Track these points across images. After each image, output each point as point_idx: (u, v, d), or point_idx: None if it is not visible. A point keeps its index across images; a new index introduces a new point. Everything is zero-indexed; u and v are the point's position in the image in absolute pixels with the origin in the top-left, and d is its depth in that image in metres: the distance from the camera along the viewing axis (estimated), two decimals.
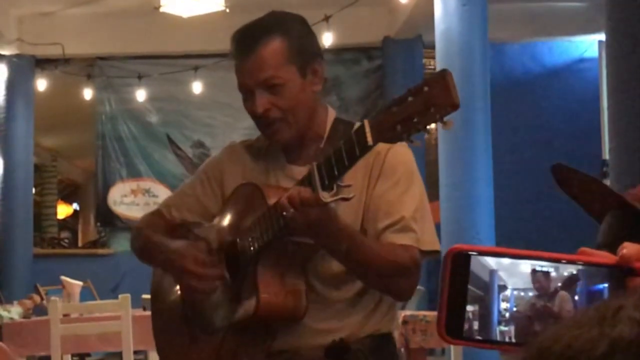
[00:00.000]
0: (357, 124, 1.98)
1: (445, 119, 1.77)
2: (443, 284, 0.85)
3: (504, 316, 0.84)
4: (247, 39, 2.25)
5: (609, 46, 4.31)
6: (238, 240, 2.24)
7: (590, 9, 9.00)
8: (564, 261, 0.85)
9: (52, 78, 10.44)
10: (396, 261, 2.15)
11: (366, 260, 2.13)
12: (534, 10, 9.55)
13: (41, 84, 10.34)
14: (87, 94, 10.57)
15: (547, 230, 9.21)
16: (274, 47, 2.22)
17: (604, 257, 0.87)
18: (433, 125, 1.80)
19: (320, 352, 2.23)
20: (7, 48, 9.93)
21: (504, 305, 0.85)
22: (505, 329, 0.85)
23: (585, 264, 0.86)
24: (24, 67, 10.13)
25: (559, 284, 0.84)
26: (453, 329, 0.84)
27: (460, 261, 0.85)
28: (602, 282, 0.85)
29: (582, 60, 10.38)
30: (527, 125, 10.21)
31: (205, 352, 2.28)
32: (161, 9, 8.38)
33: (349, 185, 1.98)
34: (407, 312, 5.78)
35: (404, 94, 1.82)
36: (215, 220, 2.35)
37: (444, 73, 1.77)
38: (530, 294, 0.85)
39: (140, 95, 10.45)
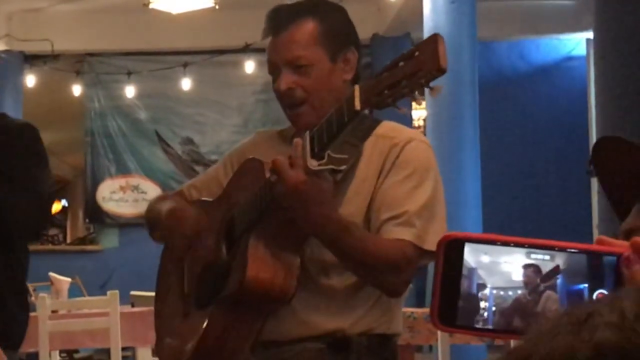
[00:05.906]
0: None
1: (432, 84, 1.74)
2: (436, 271, 0.83)
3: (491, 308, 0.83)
4: (281, 17, 2.23)
5: (597, 44, 4.34)
6: (235, 214, 2.20)
7: (578, 7, 9.03)
8: (557, 249, 0.83)
9: (41, 74, 10.41)
10: (385, 257, 2.07)
11: (352, 252, 2.07)
12: (522, 8, 9.57)
13: (30, 80, 10.32)
14: (76, 90, 10.55)
15: (535, 226, 9.23)
16: (305, 27, 2.20)
17: (618, 245, 0.83)
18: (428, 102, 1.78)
19: (313, 344, 2.16)
20: None
21: (481, 301, 0.83)
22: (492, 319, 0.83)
23: (587, 252, 0.84)
24: (13, 63, 10.10)
25: (546, 281, 0.83)
26: (446, 317, 0.83)
27: (454, 248, 0.83)
28: (583, 282, 0.83)
29: (570, 58, 10.41)
30: (515, 122, 10.23)
31: (194, 327, 2.24)
32: (150, 6, 8.37)
33: (343, 157, 1.92)
34: None
35: (395, 59, 1.80)
36: (219, 195, 2.33)
37: (435, 37, 1.74)
38: (510, 292, 0.83)
39: (129, 91, 10.43)
